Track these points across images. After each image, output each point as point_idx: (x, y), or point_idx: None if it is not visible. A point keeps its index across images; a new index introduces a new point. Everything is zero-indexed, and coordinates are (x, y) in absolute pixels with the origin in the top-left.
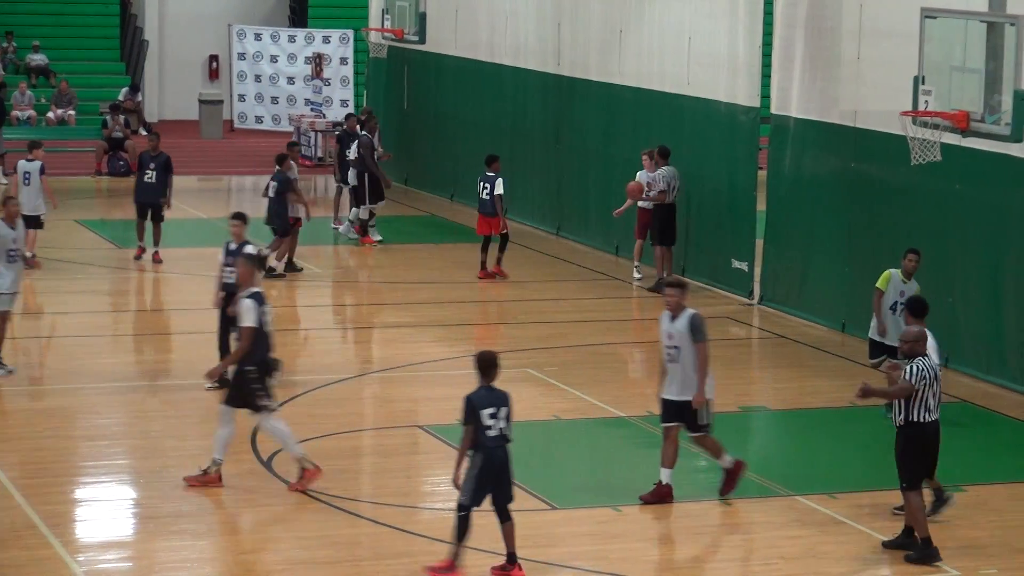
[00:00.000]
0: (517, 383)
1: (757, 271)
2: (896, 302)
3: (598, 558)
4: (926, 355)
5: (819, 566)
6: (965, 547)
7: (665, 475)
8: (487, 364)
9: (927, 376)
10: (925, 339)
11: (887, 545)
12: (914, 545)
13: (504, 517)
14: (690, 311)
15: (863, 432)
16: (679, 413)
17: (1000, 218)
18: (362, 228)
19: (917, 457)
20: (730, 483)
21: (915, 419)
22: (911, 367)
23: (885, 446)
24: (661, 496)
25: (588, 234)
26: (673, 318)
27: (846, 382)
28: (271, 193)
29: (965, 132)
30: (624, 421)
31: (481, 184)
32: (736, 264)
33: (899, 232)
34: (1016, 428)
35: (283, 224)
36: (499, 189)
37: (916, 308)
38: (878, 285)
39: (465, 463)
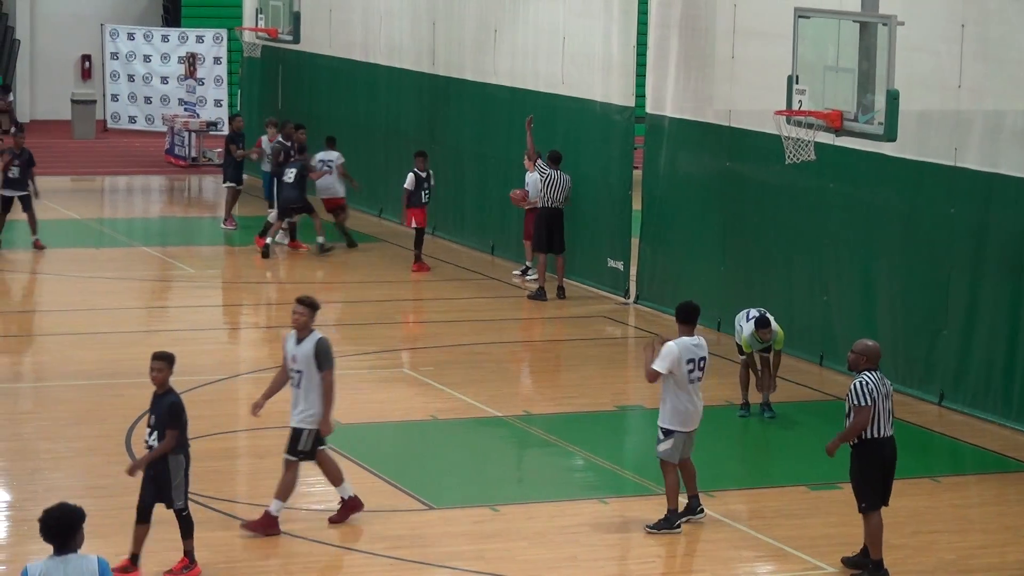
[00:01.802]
0: (393, 383)
1: (633, 270)
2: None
3: (475, 558)
4: (874, 369)
5: (696, 564)
6: (844, 544)
7: (275, 506)
8: (174, 362)
9: (876, 391)
10: (874, 354)
11: (846, 562)
12: (866, 566)
13: (149, 519)
14: (317, 335)
15: (738, 430)
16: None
17: (873, 217)
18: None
19: (876, 476)
20: (343, 514)
21: (870, 436)
22: (855, 385)
23: (760, 444)
24: (267, 526)
25: (463, 234)
26: (299, 340)
27: (721, 380)
28: (291, 178)
29: (839, 131)
30: (501, 420)
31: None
32: (612, 263)
33: (773, 231)
34: None
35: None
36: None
37: (682, 313)
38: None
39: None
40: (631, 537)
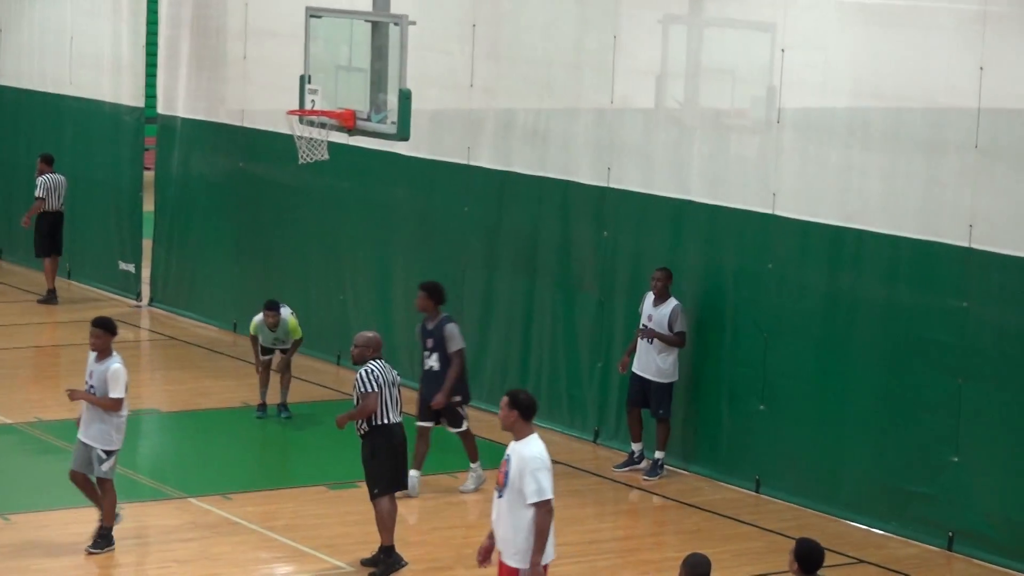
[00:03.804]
0: None
1: (146, 273)
2: None
3: None
4: (378, 358)
5: (213, 568)
6: (363, 543)
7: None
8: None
9: (382, 378)
10: (376, 344)
11: (364, 562)
12: (382, 562)
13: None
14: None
15: (255, 432)
16: None
17: (389, 216)
18: None
19: (387, 461)
20: None
21: (379, 422)
22: (362, 373)
23: (278, 445)
24: None
25: None
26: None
27: (238, 382)
28: None
29: (352, 131)
30: (11, 428)
31: None
32: (123, 266)
33: (289, 232)
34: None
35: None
36: None
37: (102, 323)
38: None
39: None
40: (148, 543)
